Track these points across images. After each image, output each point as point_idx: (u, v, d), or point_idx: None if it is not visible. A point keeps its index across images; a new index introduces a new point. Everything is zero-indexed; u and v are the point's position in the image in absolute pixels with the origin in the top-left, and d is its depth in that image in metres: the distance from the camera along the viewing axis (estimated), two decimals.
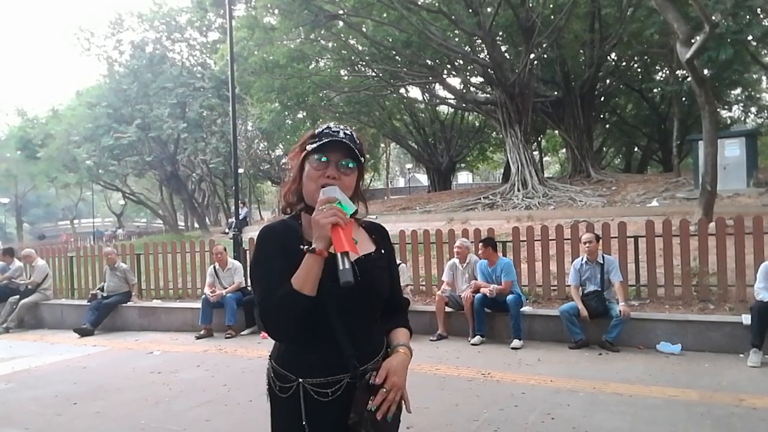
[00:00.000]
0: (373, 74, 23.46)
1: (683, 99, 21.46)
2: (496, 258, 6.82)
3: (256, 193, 42.58)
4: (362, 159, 1.56)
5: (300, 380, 1.51)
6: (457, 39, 21.66)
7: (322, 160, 1.50)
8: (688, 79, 14.34)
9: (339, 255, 1.36)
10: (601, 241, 6.64)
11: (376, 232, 1.73)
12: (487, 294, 6.52)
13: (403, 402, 1.59)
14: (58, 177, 34.11)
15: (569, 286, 6.61)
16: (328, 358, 1.51)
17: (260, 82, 21.99)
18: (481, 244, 6.88)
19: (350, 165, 1.53)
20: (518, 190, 18.92)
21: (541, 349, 6.13)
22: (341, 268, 1.34)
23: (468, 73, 23.88)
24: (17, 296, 9.43)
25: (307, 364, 1.52)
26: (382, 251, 1.67)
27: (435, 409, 4.32)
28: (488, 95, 22.03)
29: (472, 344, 6.48)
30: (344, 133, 1.54)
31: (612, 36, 19.60)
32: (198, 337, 7.65)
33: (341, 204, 1.42)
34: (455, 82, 24.26)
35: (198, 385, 5.37)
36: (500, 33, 21.72)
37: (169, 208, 36.07)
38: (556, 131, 26.20)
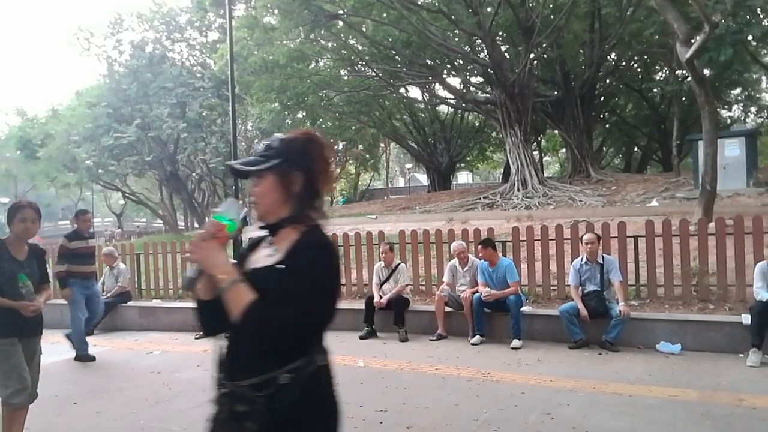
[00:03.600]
0: (373, 74, 23.45)
1: (683, 99, 21.45)
2: (497, 258, 6.82)
3: None
4: (276, 160, 1.58)
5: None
6: (456, 39, 21.65)
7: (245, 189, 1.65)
8: (688, 78, 14.33)
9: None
10: (600, 241, 6.64)
11: (296, 244, 1.55)
12: (483, 299, 6.53)
13: None
14: (57, 177, 34.07)
15: (569, 286, 6.61)
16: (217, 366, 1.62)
17: (260, 82, 21.97)
18: (480, 245, 6.87)
19: (252, 178, 1.63)
20: (518, 190, 18.91)
21: (541, 349, 6.13)
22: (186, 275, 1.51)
23: (468, 73, 23.88)
24: None
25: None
26: (283, 265, 1.51)
27: (435, 409, 4.32)
28: (488, 95, 22.02)
29: (472, 344, 6.49)
30: (250, 154, 1.71)
31: (612, 36, 19.60)
32: (197, 337, 7.64)
33: (220, 216, 1.59)
34: (455, 81, 24.27)
35: (198, 385, 5.36)
36: (500, 33, 21.72)
37: (169, 208, 36.04)
38: (556, 131, 26.19)
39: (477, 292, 6.67)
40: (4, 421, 3.41)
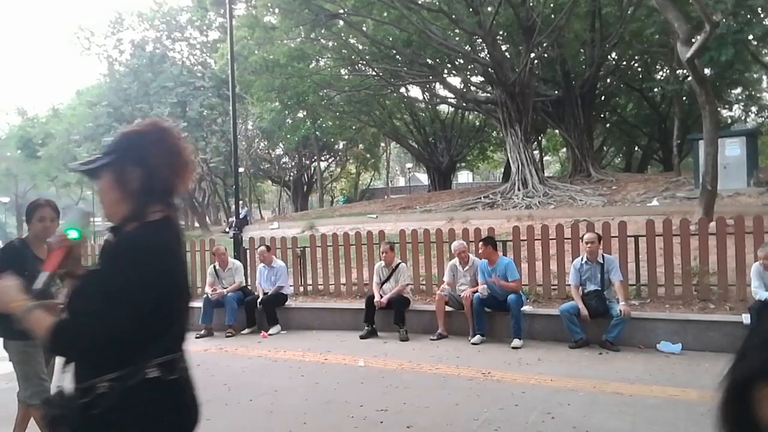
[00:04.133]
0: (374, 73, 23.44)
1: (684, 98, 21.45)
2: (497, 257, 6.82)
3: (256, 193, 42.61)
4: (109, 157, 1.49)
5: None
6: (457, 38, 21.64)
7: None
8: (689, 78, 14.33)
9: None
10: (601, 240, 6.64)
11: (110, 245, 1.49)
12: (480, 295, 6.51)
13: None
14: (58, 176, 34.15)
15: (569, 285, 6.60)
16: None
17: (260, 82, 21.98)
18: (481, 243, 6.87)
19: (92, 180, 1.57)
20: (518, 190, 18.90)
21: (542, 349, 6.13)
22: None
23: (468, 73, 23.87)
24: None
25: None
26: (98, 266, 1.47)
27: (435, 409, 4.32)
28: (488, 94, 22.02)
29: (473, 344, 6.48)
30: (89, 157, 1.65)
31: (612, 35, 19.58)
32: (198, 337, 7.65)
33: (65, 226, 1.60)
34: (455, 81, 24.27)
35: (198, 384, 5.36)
36: (501, 32, 21.71)
37: None
38: (557, 130, 26.18)
39: (477, 291, 6.67)
40: (35, 421, 3.44)
